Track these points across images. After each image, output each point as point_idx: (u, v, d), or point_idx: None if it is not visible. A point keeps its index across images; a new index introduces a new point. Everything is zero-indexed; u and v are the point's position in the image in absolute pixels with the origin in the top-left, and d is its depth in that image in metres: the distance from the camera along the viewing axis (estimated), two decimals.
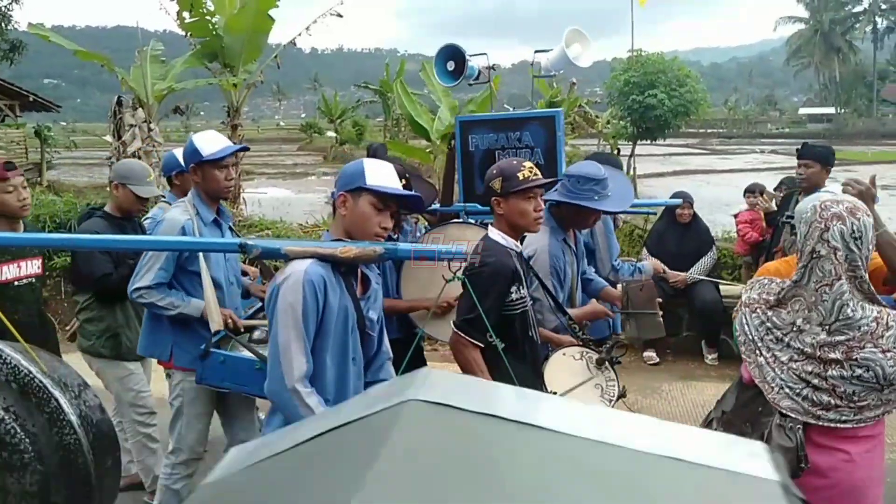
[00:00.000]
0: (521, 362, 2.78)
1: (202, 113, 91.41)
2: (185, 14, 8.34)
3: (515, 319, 2.88)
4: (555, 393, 2.81)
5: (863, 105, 72.07)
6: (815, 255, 2.19)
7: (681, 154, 39.48)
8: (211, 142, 3.34)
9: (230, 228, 4.64)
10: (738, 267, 6.98)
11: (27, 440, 2.28)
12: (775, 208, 6.01)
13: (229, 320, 3.24)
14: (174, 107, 9.69)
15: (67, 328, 4.37)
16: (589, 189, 3.32)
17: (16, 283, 3.45)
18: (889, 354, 2.12)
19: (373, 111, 50.01)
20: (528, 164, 2.91)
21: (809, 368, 2.20)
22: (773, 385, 2.24)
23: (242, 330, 3.33)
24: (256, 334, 3.26)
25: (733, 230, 7.14)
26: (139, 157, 8.51)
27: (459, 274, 2.65)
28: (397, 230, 3.77)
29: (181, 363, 3.35)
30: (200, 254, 3.24)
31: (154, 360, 3.95)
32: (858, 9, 75.73)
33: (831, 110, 73.61)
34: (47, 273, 7.60)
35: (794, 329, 2.23)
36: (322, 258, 2.32)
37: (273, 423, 2.45)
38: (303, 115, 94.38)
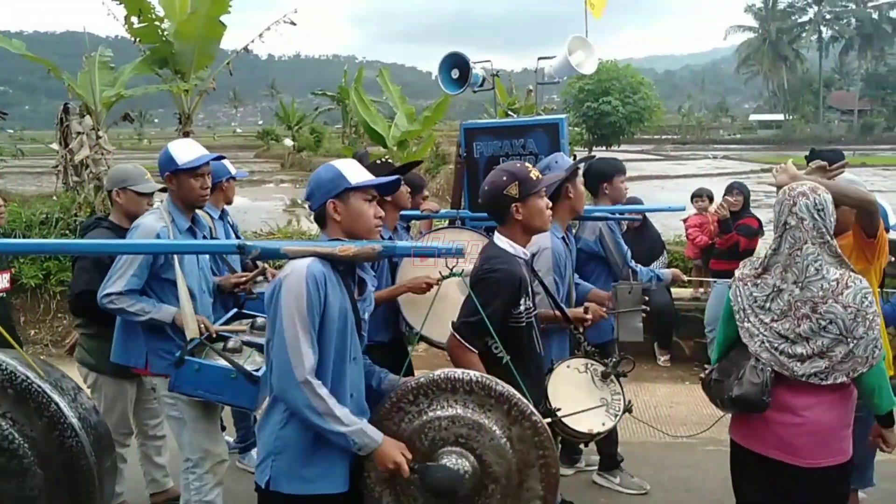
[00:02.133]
0: (525, 375, 2.72)
1: (156, 120, 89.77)
2: (134, 19, 8.18)
3: (522, 331, 2.84)
4: (558, 409, 2.76)
5: (810, 111, 74.22)
6: (787, 227, 2.65)
7: (636, 160, 40.14)
8: (186, 150, 3.30)
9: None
10: (689, 270, 7.11)
11: (26, 445, 2.29)
12: (728, 214, 6.12)
13: (202, 325, 3.19)
14: (124, 114, 9.46)
15: (66, 342, 4.30)
16: (566, 163, 3.51)
17: (1, 295, 3.42)
18: (849, 309, 2.52)
19: (331, 118, 49.75)
20: (527, 164, 2.93)
21: (787, 325, 2.62)
22: (755, 341, 2.68)
23: (215, 336, 3.28)
24: (230, 343, 3.19)
25: (684, 234, 7.28)
26: (87, 166, 8.33)
27: (453, 273, 2.66)
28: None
29: (158, 370, 3.30)
30: (176, 262, 3.18)
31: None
32: (804, 18, 78.10)
33: (780, 117, 75.69)
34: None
35: (775, 290, 2.66)
36: (321, 257, 2.34)
37: (272, 420, 2.41)
38: (260, 122, 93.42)
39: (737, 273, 2.82)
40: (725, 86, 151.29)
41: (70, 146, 8.34)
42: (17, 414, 2.29)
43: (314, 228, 10.81)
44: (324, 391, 2.28)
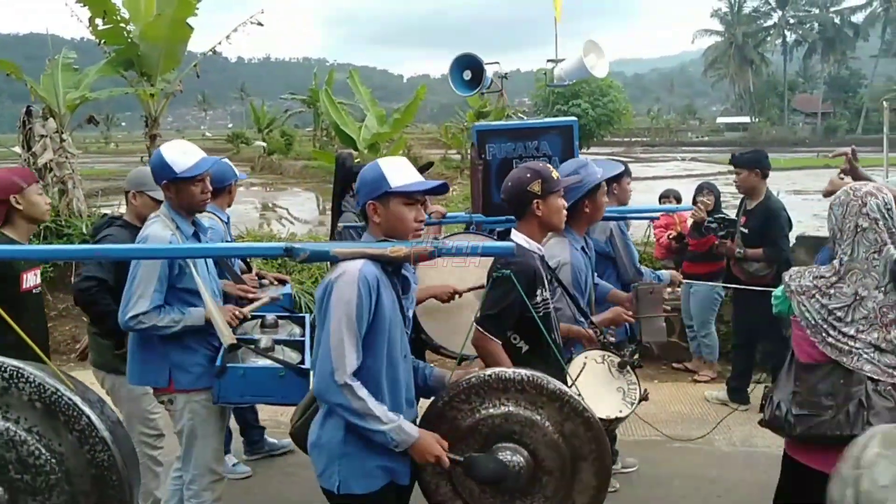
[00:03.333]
0: (544, 365, 2.77)
1: (123, 123, 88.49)
2: (98, 21, 8.05)
3: (538, 321, 2.88)
4: (578, 395, 2.78)
5: (775, 114, 75.63)
6: (858, 229, 2.50)
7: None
8: (183, 155, 3.12)
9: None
10: (658, 270, 7.17)
11: (53, 461, 2.20)
12: (706, 216, 6.12)
13: (236, 313, 3.14)
14: (88, 116, 9.31)
15: (77, 346, 4.20)
16: (591, 173, 3.41)
17: (33, 290, 3.33)
18: None
19: (302, 121, 49.51)
20: (549, 165, 3.02)
21: (875, 335, 2.46)
22: (851, 355, 2.47)
23: (249, 317, 3.23)
24: (262, 343, 3.14)
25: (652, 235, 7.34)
26: (51, 169, 8.18)
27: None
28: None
29: (183, 385, 3.16)
30: (193, 270, 3.06)
31: None
32: (769, 23, 79.51)
33: (747, 119, 76.96)
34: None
35: (857, 298, 2.48)
36: (373, 259, 2.35)
37: (330, 426, 2.41)
38: (230, 125, 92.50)
39: (792, 285, 2.63)
40: (693, 89, 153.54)
41: (33, 149, 8.18)
42: (44, 428, 2.20)
43: (284, 232, 10.74)
44: (363, 392, 2.30)
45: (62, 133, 8.31)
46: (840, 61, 76.31)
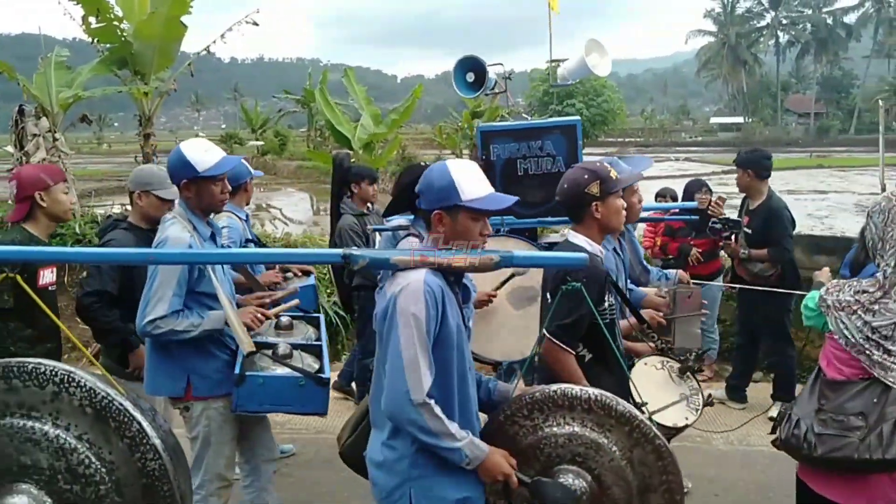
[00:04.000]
0: (609, 373, 2.72)
1: (116, 124, 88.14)
2: (92, 19, 7.99)
3: (606, 328, 2.78)
4: (645, 404, 2.70)
5: (768, 114, 75.91)
6: None
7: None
8: (204, 154, 3.03)
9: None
10: None
11: (103, 470, 2.10)
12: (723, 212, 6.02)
13: (258, 314, 3.07)
14: (81, 115, 9.25)
15: (89, 350, 4.14)
16: (624, 171, 3.29)
17: (49, 287, 3.32)
18: None
19: (296, 121, 49.42)
20: (606, 164, 2.91)
21: None
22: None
23: (273, 318, 3.18)
24: (280, 350, 3.08)
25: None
26: None
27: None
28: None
29: (201, 392, 3.09)
30: (211, 273, 3.00)
31: None
32: (762, 23, 79.78)
33: (740, 119, 77.17)
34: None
35: None
36: (435, 268, 2.24)
37: (399, 447, 2.30)
38: (223, 126, 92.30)
39: (829, 299, 2.49)
40: (687, 89, 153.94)
41: (26, 149, 8.12)
42: (94, 435, 2.11)
43: (279, 232, 10.70)
44: (438, 410, 2.19)
45: (55, 132, 8.25)
46: (832, 62, 76.62)
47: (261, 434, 3.46)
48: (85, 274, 3.67)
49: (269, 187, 32.26)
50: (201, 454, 3.18)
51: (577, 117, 4.85)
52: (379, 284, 2.38)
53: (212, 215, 3.24)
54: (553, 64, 5.18)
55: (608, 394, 2.41)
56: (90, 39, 8.46)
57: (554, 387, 2.42)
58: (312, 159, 20.86)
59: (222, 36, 8.97)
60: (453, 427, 2.22)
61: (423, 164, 4.19)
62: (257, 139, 40.10)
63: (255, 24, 9.10)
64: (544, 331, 2.74)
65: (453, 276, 2.33)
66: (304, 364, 3.04)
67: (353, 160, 4.11)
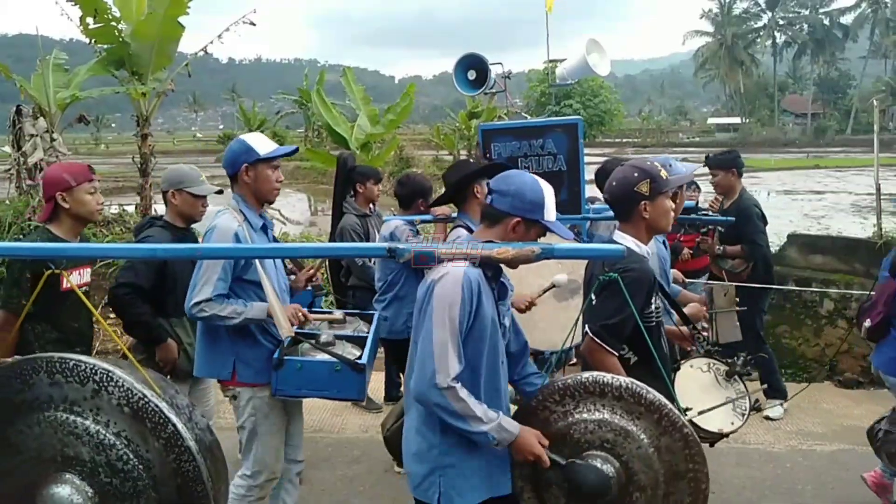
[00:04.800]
0: (653, 376, 2.65)
1: (113, 125, 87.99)
2: (89, 20, 7.97)
3: (651, 331, 2.74)
4: (689, 409, 2.69)
5: (766, 115, 76.00)
6: None
7: (597, 163, 40.63)
8: (262, 141, 3.23)
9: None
10: None
11: (141, 467, 2.16)
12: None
13: (299, 314, 3.12)
14: (79, 116, 9.24)
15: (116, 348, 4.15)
16: (676, 171, 3.20)
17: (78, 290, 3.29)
18: None
19: (293, 122, 49.40)
20: (657, 163, 2.85)
21: None
22: None
23: (313, 322, 3.22)
24: (323, 338, 3.14)
25: None
26: (41, 169, 8.11)
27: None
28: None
29: (245, 378, 3.17)
30: (257, 262, 3.07)
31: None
32: (759, 24, 79.92)
33: (737, 120, 77.27)
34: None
35: None
36: (477, 261, 2.30)
37: (428, 437, 2.37)
38: (221, 127, 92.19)
39: None
40: (684, 90, 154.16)
41: (23, 149, 8.12)
42: (132, 433, 2.16)
43: (276, 232, 10.70)
44: (464, 393, 2.25)
45: (52, 133, 8.25)
46: (829, 62, 76.77)
47: (293, 433, 3.48)
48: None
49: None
50: (249, 443, 3.24)
51: (579, 117, 4.88)
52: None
53: (264, 206, 3.33)
54: (551, 64, 5.20)
55: (639, 382, 2.44)
56: (88, 40, 8.45)
57: (586, 374, 2.48)
58: (310, 160, 20.87)
59: (219, 36, 8.95)
60: (480, 409, 2.26)
61: (470, 160, 4.23)
62: None
63: (253, 24, 9.08)
64: (587, 330, 2.72)
65: (491, 272, 2.39)
66: (344, 352, 3.08)
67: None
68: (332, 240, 5.72)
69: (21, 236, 7.74)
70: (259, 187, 3.20)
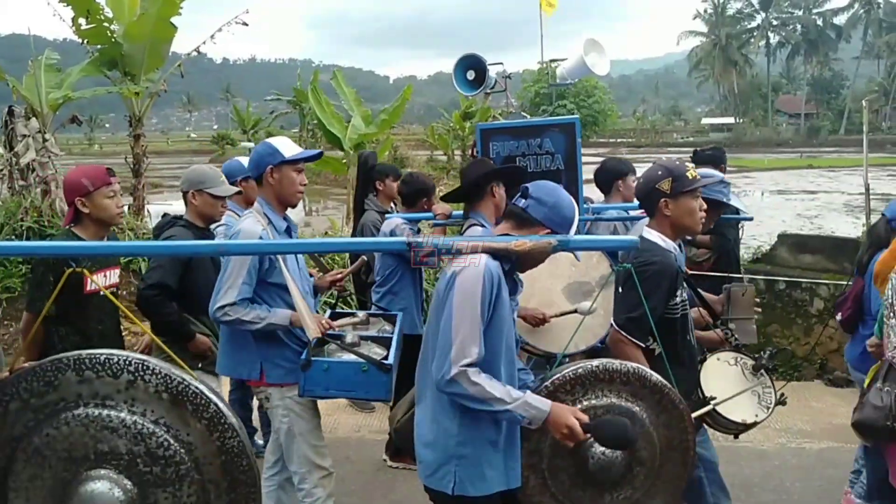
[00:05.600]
0: (679, 367, 2.71)
1: (107, 125, 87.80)
2: (82, 21, 7.99)
3: (676, 323, 2.81)
4: (713, 398, 2.77)
5: (759, 115, 76.29)
6: None
7: (592, 163, 40.72)
8: (289, 145, 3.27)
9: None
10: None
11: (182, 451, 2.17)
12: None
13: (323, 322, 3.14)
14: (71, 116, 9.24)
15: (135, 348, 4.15)
16: (718, 191, 3.30)
17: (100, 292, 3.26)
18: None
19: (288, 122, 49.37)
20: (688, 164, 2.90)
21: None
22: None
23: (337, 330, 3.25)
24: (348, 339, 3.16)
25: None
26: (33, 170, 8.11)
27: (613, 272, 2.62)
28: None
29: (274, 379, 3.20)
30: (282, 264, 3.10)
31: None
32: (752, 24, 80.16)
33: (731, 120, 77.53)
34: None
35: None
36: (495, 252, 2.34)
37: (445, 425, 2.40)
38: (215, 127, 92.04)
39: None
40: (679, 90, 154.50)
41: (15, 149, 8.11)
42: (171, 419, 2.16)
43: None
44: (480, 378, 2.27)
45: (45, 133, 8.24)
46: (823, 63, 77.08)
47: None
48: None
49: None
50: (289, 446, 3.26)
51: (576, 115, 4.93)
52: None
53: (287, 210, 3.35)
54: (553, 64, 5.21)
55: (644, 367, 2.54)
56: (80, 40, 8.46)
57: (595, 362, 2.55)
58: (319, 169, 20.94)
59: (212, 36, 8.98)
60: (500, 390, 2.28)
61: (489, 159, 4.25)
62: (249, 140, 40.02)
63: (245, 24, 9.11)
64: (612, 322, 2.79)
65: (508, 267, 2.42)
66: (370, 352, 3.11)
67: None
68: (353, 234, 5.78)
69: (13, 237, 7.73)
70: (283, 190, 3.23)
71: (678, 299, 2.82)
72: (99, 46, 8.45)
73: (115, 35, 8.31)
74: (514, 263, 2.46)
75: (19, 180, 8.23)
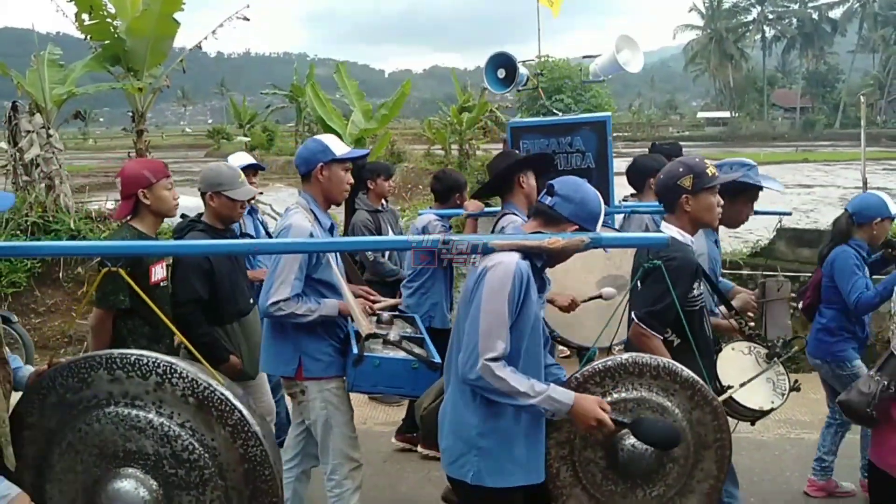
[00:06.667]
0: (696, 358, 2.80)
1: (101, 119, 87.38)
2: (85, 16, 8.02)
3: (695, 315, 2.90)
4: (730, 387, 2.85)
5: (755, 109, 76.27)
6: None
7: None
8: (338, 142, 3.31)
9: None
10: None
11: (206, 455, 2.19)
12: None
13: (367, 306, 3.21)
14: (75, 112, 9.27)
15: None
16: (744, 174, 3.35)
17: (161, 283, 3.32)
18: None
19: (283, 116, 49.24)
20: (707, 160, 2.99)
21: None
22: None
23: (376, 314, 3.33)
24: (390, 337, 3.20)
25: None
26: (38, 165, 8.15)
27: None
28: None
29: (313, 373, 3.24)
30: (332, 260, 3.16)
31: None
32: (748, 18, 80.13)
33: (727, 114, 77.52)
34: None
35: None
36: (529, 250, 2.40)
37: (467, 416, 2.45)
38: (210, 121, 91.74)
39: None
40: (674, 84, 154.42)
41: (20, 145, 8.15)
42: (196, 423, 2.19)
43: (270, 227, 10.75)
44: (504, 372, 2.32)
45: (48, 129, 8.27)
46: (818, 56, 77.13)
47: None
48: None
49: (259, 183, 32.19)
50: (325, 438, 3.30)
51: (608, 113, 4.94)
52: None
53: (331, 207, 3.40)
54: (586, 60, 5.21)
55: (674, 362, 2.60)
56: (81, 36, 8.48)
57: (625, 355, 2.62)
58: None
59: (213, 32, 9.01)
60: (525, 384, 2.34)
61: (516, 151, 4.29)
62: (245, 134, 39.92)
63: (247, 19, 9.14)
64: (633, 316, 2.87)
65: (540, 264, 2.50)
66: (412, 350, 3.17)
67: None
68: (345, 234, 5.82)
69: (17, 232, 7.78)
70: (331, 188, 3.28)
71: (696, 292, 2.91)
72: (102, 42, 8.47)
73: (117, 31, 8.34)
74: (545, 261, 2.51)
75: (23, 176, 8.27)
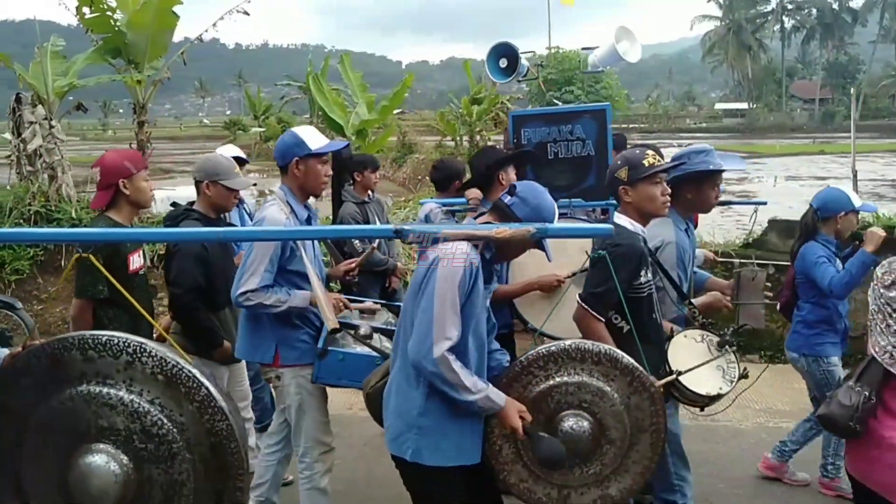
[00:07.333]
0: (646, 343, 2.89)
1: (121, 110, 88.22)
2: (86, 10, 8.17)
3: (642, 301, 2.98)
4: (679, 372, 2.91)
5: (773, 100, 75.47)
6: None
7: None
8: (314, 136, 3.30)
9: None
10: None
11: (175, 430, 2.26)
12: None
13: (340, 303, 3.29)
14: (77, 104, 9.42)
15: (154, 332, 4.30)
16: (701, 161, 3.40)
17: (140, 272, 3.39)
18: None
19: (299, 107, 49.43)
20: (650, 151, 3.06)
21: None
22: (881, 349, 2.32)
23: (352, 310, 3.38)
24: (361, 331, 3.27)
25: None
26: (40, 155, 8.30)
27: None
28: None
29: (289, 361, 3.30)
30: (303, 252, 3.19)
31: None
32: (767, 8, 79.18)
33: (745, 105, 76.77)
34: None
35: None
36: (477, 239, 2.49)
37: (412, 395, 2.55)
38: (227, 112, 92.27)
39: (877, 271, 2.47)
40: (692, 75, 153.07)
41: (23, 136, 8.30)
42: (165, 399, 2.26)
43: None
44: (457, 365, 2.45)
45: (51, 120, 8.42)
46: (838, 47, 76.13)
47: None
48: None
49: (271, 173, 32.41)
50: (298, 422, 3.38)
51: (607, 103, 5.02)
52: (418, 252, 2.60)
53: (311, 199, 3.44)
54: (584, 51, 5.25)
55: (616, 349, 2.71)
56: (85, 29, 8.62)
57: (568, 341, 2.73)
58: None
59: (214, 24, 9.12)
60: (470, 381, 2.48)
61: (498, 147, 4.34)
62: (260, 126, 40.14)
63: (247, 13, 9.24)
64: (577, 297, 2.97)
65: (489, 255, 2.60)
66: (381, 346, 3.23)
67: (357, 148, 4.32)
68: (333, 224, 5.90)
69: (21, 221, 7.95)
70: (308, 181, 3.29)
71: (643, 279, 2.98)
72: (103, 35, 8.61)
73: (118, 24, 8.46)
74: (493, 253, 2.61)
75: (27, 166, 8.41)
